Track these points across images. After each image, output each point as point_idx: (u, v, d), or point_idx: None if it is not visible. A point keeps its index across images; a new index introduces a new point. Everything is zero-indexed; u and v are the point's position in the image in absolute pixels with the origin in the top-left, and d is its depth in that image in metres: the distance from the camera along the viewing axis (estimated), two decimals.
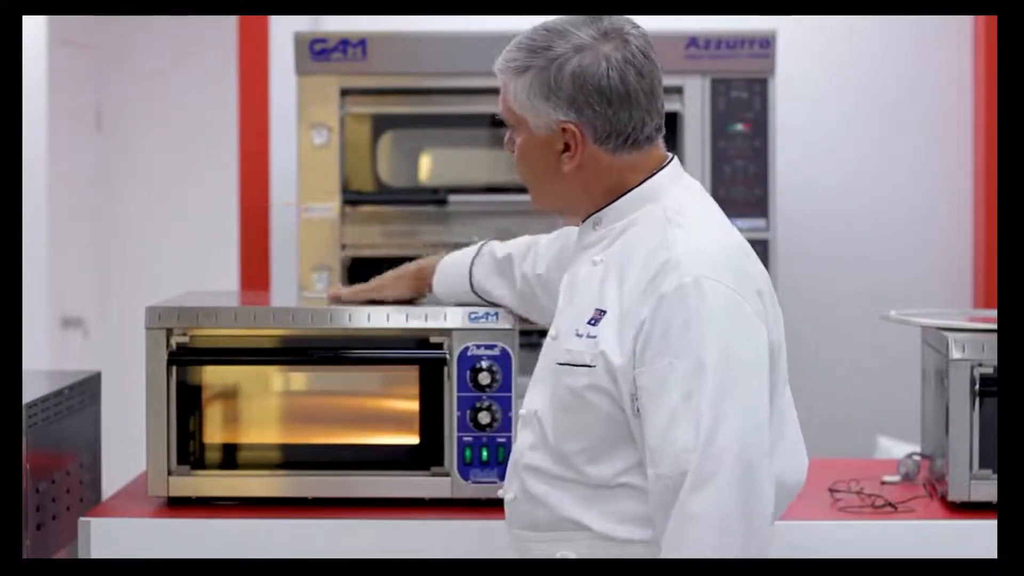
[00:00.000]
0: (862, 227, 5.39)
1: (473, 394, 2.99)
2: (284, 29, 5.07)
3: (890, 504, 3.02)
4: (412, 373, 3.02)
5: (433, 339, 3.00)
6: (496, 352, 2.99)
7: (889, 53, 5.39)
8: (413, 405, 3.03)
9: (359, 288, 3.15)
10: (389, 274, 3.14)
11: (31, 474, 2.97)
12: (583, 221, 2.54)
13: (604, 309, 2.42)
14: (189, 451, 3.04)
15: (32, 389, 3.05)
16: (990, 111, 5.14)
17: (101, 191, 6.79)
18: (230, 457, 3.07)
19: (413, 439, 3.04)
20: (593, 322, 2.43)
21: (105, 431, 3.42)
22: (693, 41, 4.71)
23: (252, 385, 3.12)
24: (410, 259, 3.15)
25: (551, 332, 2.53)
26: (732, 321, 2.35)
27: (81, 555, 2.94)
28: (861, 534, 2.93)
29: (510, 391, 2.98)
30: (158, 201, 6.82)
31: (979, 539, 2.86)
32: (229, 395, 3.10)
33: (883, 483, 3.19)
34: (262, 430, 3.12)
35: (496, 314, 2.99)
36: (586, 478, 2.44)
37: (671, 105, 4.37)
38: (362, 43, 4.72)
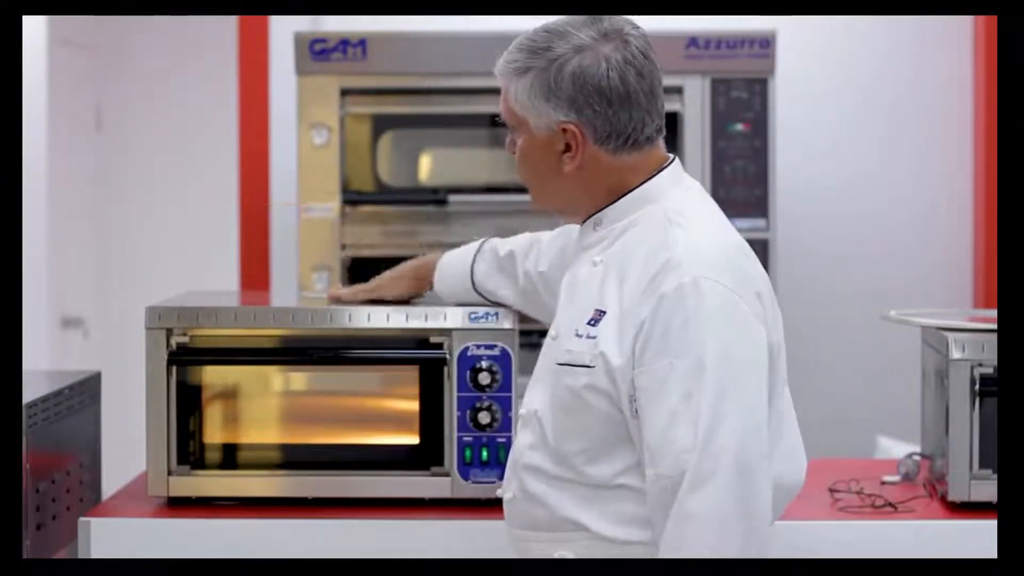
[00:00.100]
0: (862, 227, 5.39)
1: (473, 394, 2.99)
2: (284, 29, 5.07)
3: (890, 504, 3.02)
4: (412, 373, 3.03)
5: (433, 339, 3.00)
6: (496, 352, 2.99)
7: (889, 53, 5.39)
8: (413, 405, 3.03)
9: (358, 288, 3.14)
10: (388, 273, 3.14)
11: (31, 474, 2.97)
12: (584, 221, 2.54)
13: (604, 309, 2.42)
14: (189, 451, 3.04)
15: (32, 389, 3.05)
16: (990, 111, 5.14)
17: (101, 191, 6.79)
18: (230, 457, 3.07)
19: (413, 439, 3.04)
20: (593, 322, 2.43)
21: (105, 431, 3.43)
22: (693, 41, 4.71)
23: (252, 385, 3.12)
24: (409, 259, 3.15)
25: (551, 332, 2.54)
26: (731, 321, 2.35)
27: (81, 555, 2.94)
28: (861, 534, 2.93)
29: (510, 391, 2.98)
30: (158, 201, 6.82)
31: (979, 539, 2.85)
32: (229, 395, 3.10)
33: (883, 483, 3.19)
34: (262, 430, 3.12)
35: (496, 314, 2.99)
36: (585, 478, 2.44)
37: (671, 105, 4.37)
38: (362, 43, 4.72)
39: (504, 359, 2.99)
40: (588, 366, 2.41)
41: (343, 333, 3.02)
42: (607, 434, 2.42)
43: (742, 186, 4.72)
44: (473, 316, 2.99)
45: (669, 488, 2.32)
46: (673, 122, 4.64)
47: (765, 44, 4.71)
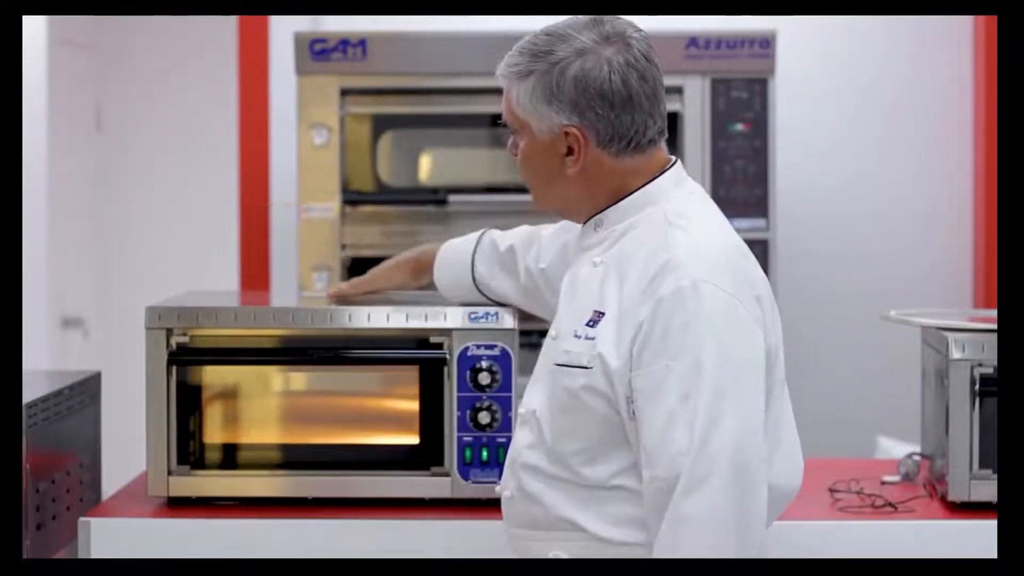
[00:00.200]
0: (862, 227, 5.39)
1: (473, 394, 2.99)
2: (284, 29, 5.07)
3: (890, 504, 3.02)
4: (412, 373, 3.02)
5: (433, 339, 3.00)
6: (496, 352, 2.99)
7: (889, 53, 5.39)
8: (413, 405, 3.03)
9: (357, 281, 3.15)
10: (386, 263, 3.14)
11: (31, 474, 2.97)
12: (585, 222, 2.54)
13: (603, 311, 2.42)
14: (189, 451, 3.04)
15: (32, 389, 3.05)
16: (990, 111, 5.14)
17: (101, 191, 6.79)
18: (230, 457, 3.07)
19: (413, 439, 3.04)
20: (591, 324, 2.43)
21: (105, 431, 3.42)
22: (693, 41, 4.71)
23: (252, 385, 3.12)
24: None
25: (551, 332, 2.54)
26: (729, 324, 2.35)
27: (81, 555, 2.94)
28: (861, 534, 2.93)
29: (510, 391, 2.98)
30: (158, 201, 6.82)
31: (979, 539, 2.85)
32: (229, 395, 3.10)
33: (883, 483, 3.19)
34: (262, 430, 3.12)
35: (496, 314, 2.99)
36: (582, 479, 2.45)
37: (671, 105, 4.35)
38: (362, 43, 4.72)
39: (504, 359, 2.99)
40: (586, 367, 2.41)
41: (343, 333, 3.02)
42: (604, 435, 2.42)
43: (742, 186, 4.72)
44: (473, 316, 2.99)
45: (665, 490, 2.32)
46: (673, 122, 4.64)
47: (765, 44, 4.72)
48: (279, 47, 5.11)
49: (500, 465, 2.94)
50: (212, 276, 6.00)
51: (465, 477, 3.00)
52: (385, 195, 4.82)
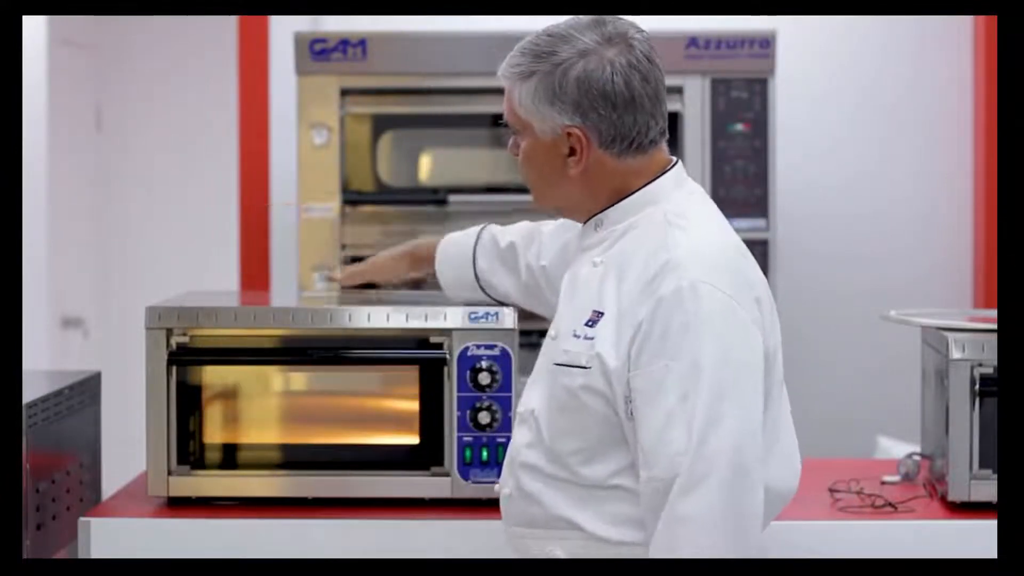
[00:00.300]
0: (862, 227, 5.39)
1: (473, 394, 2.99)
2: (284, 29, 5.07)
3: (890, 504, 3.02)
4: (412, 373, 3.02)
5: (433, 339, 3.00)
6: (496, 352, 2.99)
7: (889, 53, 5.39)
8: (413, 405, 3.03)
9: (354, 272, 3.15)
10: (384, 253, 3.15)
11: (31, 474, 2.97)
12: (585, 222, 2.54)
13: (602, 311, 2.42)
14: (189, 451, 3.03)
15: (32, 389, 3.05)
16: (990, 111, 5.14)
17: (101, 191, 6.79)
18: (230, 457, 3.07)
19: (413, 439, 3.04)
20: (590, 323, 2.43)
21: (105, 431, 3.42)
22: (693, 41, 4.71)
23: (252, 385, 3.12)
24: None
25: (551, 332, 2.54)
26: (728, 325, 2.35)
27: (81, 555, 2.94)
28: (861, 534, 2.93)
29: (510, 391, 2.98)
30: (158, 201, 6.82)
31: (979, 539, 2.85)
32: (229, 395, 3.10)
33: (883, 483, 3.19)
34: (262, 430, 3.12)
35: (496, 314, 2.99)
36: (580, 479, 2.45)
37: (671, 105, 4.36)
38: (362, 43, 4.72)
39: (504, 359, 2.99)
40: (584, 367, 2.41)
41: (343, 333, 3.02)
42: (602, 435, 2.42)
43: (742, 186, 4.72)
44: (473, 316, 2.99)
45: (662, 490, 2.32)
46: (673, 122, 4.64)
47: (765, 44, 4.72)
48: (279, 47, 5.11)
49: (500, 465, 2.94)
50: (212, 276, 6.00)
51: (465, 477, 3.00)
52: (385, 195, 4.82)
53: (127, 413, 4.34)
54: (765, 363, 2.39)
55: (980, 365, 2.96)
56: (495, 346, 2.99)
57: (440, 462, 3.02)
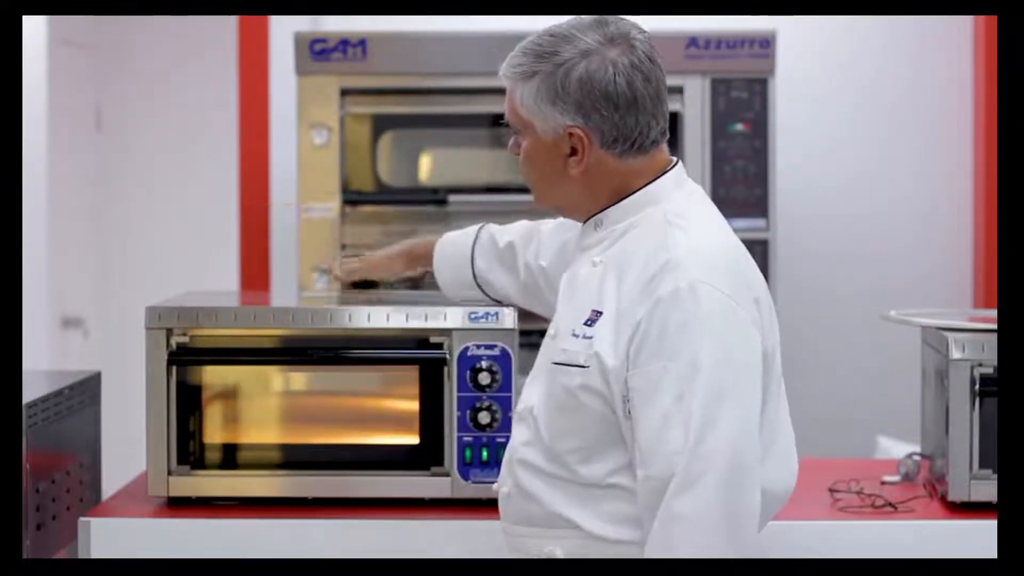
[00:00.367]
0: (862, 227, 5.39)
1: (473, 394, 2.99)
2: (284, 29, 5.07)
3: (890, 504, 3.02)
4: (412, 373, 3.02)
5: (433, 339, 3.00)
6: (496, 352, 2.99)
7: (889, 53, 5.40)
8: (413, 405, 3.03)
9: (351, 268, 3.15)
10: (381, 252, 3.15)
11: (31, 474, 2.97)
12: (585, 222, 2.54)
13: (601, 310, 2.43)
14: (189, 451, 3.03)
15: (32, 389, 3.05)
16: (990, 111, 5.14)
17: (101, 191, 6.79)
18: (230, 457, 3.07)
19: (413, 439, 3.04)
20: (589, 323, 2.43)
21: (105, 431, 3.42)
22: (693, 41, 4.71)
23: (252, 385, 3.12)
24: None
25: (550, 331, 2.54)
26: (727, 325, 2.35)
27: (81, 555, 2.94)
28: (861, 534, 2.93)
29: (510, 391, 2.98)
30: (158, 201, 6.82)
31: (979, 539, 2.85)
32: (229, 395, 3.10)
33: (883, 483, 3.19)
34: (262, 430, 3.12)
35: (496, 314, 2.99)
36: (578, 477, 2.45)
37: (671, 105, 4.37)
38: (362, 43, 4.72)
39: (504, 359, 2.99)
40: (583, 366, 2.41)
41: (343, 333, 3.02)
42: (600, 434, 2.42)
43: (742, 186, 4.72)
44: (473, 316, 2.99)
45: (659, 490, 2.32)
46: (673, 122, 4.64)
47: (765, 44, 4.72)
48: (279, 47, 5.11)
49: (500, 465, 2.94)
50: (212, 276, 6.00)
51: (465, 477, 3.00)
52: (385, 195, 4.82)
53: (127, 413, 4.34)
54: (763, 363, 2.40)
55: (980, 365, 2.96)
56: (495, 346, 2.99)
57: (440, 462, 3.02)
